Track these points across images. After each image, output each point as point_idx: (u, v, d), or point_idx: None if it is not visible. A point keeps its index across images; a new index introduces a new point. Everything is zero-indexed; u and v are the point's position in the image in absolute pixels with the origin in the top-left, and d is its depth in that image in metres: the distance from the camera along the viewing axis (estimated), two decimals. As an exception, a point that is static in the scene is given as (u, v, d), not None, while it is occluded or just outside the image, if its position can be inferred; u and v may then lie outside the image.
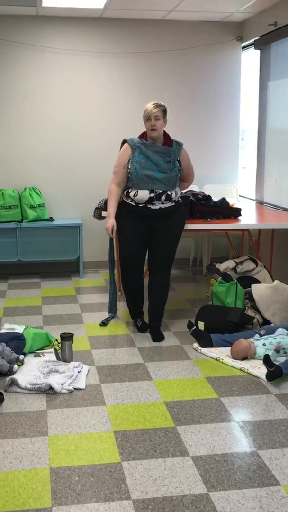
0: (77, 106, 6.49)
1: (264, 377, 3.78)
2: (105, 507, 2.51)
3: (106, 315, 5.10)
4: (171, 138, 4.44)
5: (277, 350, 4.01)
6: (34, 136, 6.47)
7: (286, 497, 2.57)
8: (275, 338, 4.12)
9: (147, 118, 4.28)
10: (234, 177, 6.96)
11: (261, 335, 4.21)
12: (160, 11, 6.05)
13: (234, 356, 4.10)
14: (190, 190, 5.49)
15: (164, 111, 4.32)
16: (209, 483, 2.68)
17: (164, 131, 4.39)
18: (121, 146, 4.51)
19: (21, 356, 3.97)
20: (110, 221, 4.51)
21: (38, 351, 4.23)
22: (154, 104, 4.29)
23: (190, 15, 6.24)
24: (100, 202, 5.58)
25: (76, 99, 6.48)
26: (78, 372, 3.84)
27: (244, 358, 4.07)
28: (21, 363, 3.97)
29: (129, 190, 4.41)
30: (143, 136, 4.42)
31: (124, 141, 4.47)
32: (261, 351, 4.06)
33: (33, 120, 6.44)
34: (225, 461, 2.86)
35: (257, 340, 4.16)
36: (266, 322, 4.63)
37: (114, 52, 6.44)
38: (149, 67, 6.54)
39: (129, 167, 4.35)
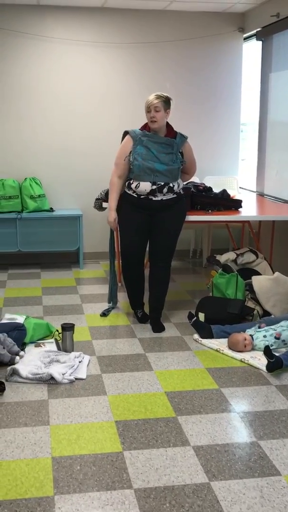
0: (78, 96, 6.47)
1: (264, 368, 3.80)
2: (107, 496, 2.53)
3: (106, 305, 5.11)
4: (175, 130, 4.41)
5: (277, 337, 4.03)
6: (34, 126, 6.46)
7: (286, 487, 2.59)
8: (276, 330, 4.14)
9: (148, 109, 4.26)
10: (235, 169, 6.96)
11: (260, 328, 4.22)
12: (162, 1, 6.03)
13: (230, 347, 4.13)
14: (191, 182, 5.48)
15: (166, 102, 4.26)
16: (210, 473, 2.70)
17: (167, 122, 4.36)
18: (123, 137, 4.49)
19: (22, 353, 3.95)
20: (112, 214, 4.51)
21: (39, 341, 4.24)
22: (155, 95, 4.26)
23: (192, 5, 6.21)
24: (100, 193, 5.58)
25: (77, 89, 6.46)
26: (79, 362, 3.86)
27: (237, 351, 4.08)
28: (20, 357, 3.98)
29: (131, 182, 4.40)
30: (145, 127, 4.40)
31: (126, 133, 4.45)
32: (261, 343, 4.07)
33: (33, 110, 6.42)
34: (226, 451, 2.88)
35: (258, 331, 4.17)
36: (266, 313, 4.65)
37: (115, 42, 6.41)
38: (150, 57, 6.52)
39: (131, 159, 4.34)
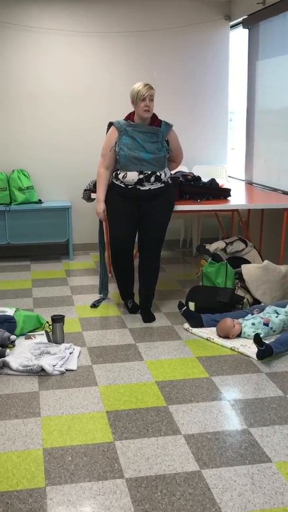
0: (65, 87, 6.44)
1: (254, 356, 3.81)
2: (99, 486, 2.53)
3: (96, 297, 5.11)
4: (159, 118, 4.41)
5: (265, 323, 4.05)
6: (21, 118, 6.42)
7: (277, 474, 2.61)
8: (263, 317, 4.16)
9: (142, 98, 4.23)
10: (223, 158, 6.95)
11: (253, 315, 4.24)
12: (148, -11, 5.99)
13: (218, 333, 4.14)
14: (180, 171, 5.48)
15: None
16: (201, 461, 2.71)
17: (152, 111, 4.37)
18: (108, 128, 4.48)
19: (13, 336, 3.96)
20: (101, 205, 4.50)
21: (29, 333, 4.24)
22: (146, 85, 4.25)
23: (177, -7, 6.18)
24: (89, 184, 5.55)
25: (64, 79, 6.42)
26: (70, 353, 3.86)
27: (226, 336, 4.10)
28: (12, 345, 3.97)
29: (118, 172, 4.39)
30: (129, 117, 4.38)
31: (111, 124, 4.43)
32: (250, 330, 4.09)
33: (20, 101, 6.38)
34: (217, 439, 2.89)
35: (246, 320, 4.19)
36: (256, 301, 4.66)
37: (102, 31, 6.37)
38: (137, 47, 6.48)
39: (117, 149, 4.33)
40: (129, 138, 4.30)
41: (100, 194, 4.50)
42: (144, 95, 4.21)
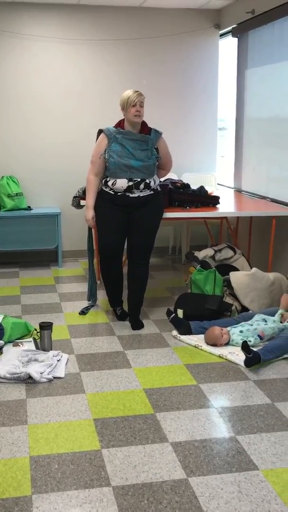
0: (55, 94, 6.44)
1: (242, 363, 3.81)
2: (85, 494, 2.52)
3: (85, 304, 5.10)
4: (149, 126, 4.43)
5: (260, 336, 4.05)
6: (11, 124, 6.41)
7: (264, 481, 2.61)
8: (252, 325, 4.17)
9: (133, 104, 4.25)
10: (212, 165, 6.97)
11: (235, 320, 4.25)
12: (138, -2, 6.02)
13: (206, 341, 4.15)
14: (169, 179, 5.50)
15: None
16: (188, 469, 2.70)
17: (141, 119, 4.38)
18: (97, 136, 4.49)
19: (1, 342, 3.95)
20: (90, 212, 4.51)
21: (17, 341, 4.22)
22: (136, 92, 4.28)
23: (167, 2, 6.21)
24: (78, 191, 5.55)
25: (53, 87, 6.43)
26: (58, 361, 3.84)
27: (214, 344, 4.11)
28: (0, 352, 3.96)
29: (107, 179, 4.40)
30: (119, 124, 4.40)
31: (100, 131, 4.45)
32: (238, 338, 4.10)
33: (10, 108, 6.38)
34: (204, 446, 2.89)
35: (234, 327, 4.19)
36: (244, 309, 4.67)
37: (92, 39, 6.39)
38: (127, 54, 6.51)
39: (106, 157, 4.34)
40: (119, 146, 4.31)
41: (89, 201, 4.51)
42: (134, 100, 4.23)
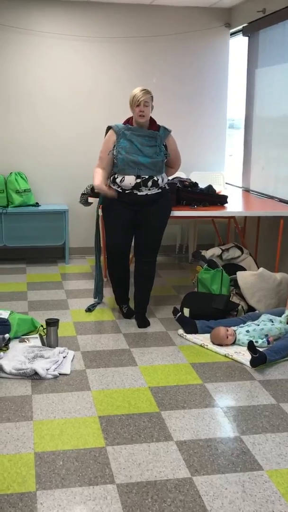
0: (64, 91, 6.44)
1: (248, 363, 3.81)
2: (89, 491, 2.53)
3: (91, 301, 5.10)
4: (158, 124, 4.42)
5: (269, 342, 4.04)
6: (20, 120, 6.42)
7: (268, 482, 2.61)
8: (258, 325, 4.16)
9: (137, 104, 4.25)
10: (221, 164, 6.96)
11: (241, 320, 4.24)
12: (149, -5, 6.01)
13: (212, 340, 4.15)
14: (177, 177, 5.49)
15: (152, 97, 4.32)
16: (192, 468, 2.70)
17: (150, 116, 4.36)
18: (106, 132, 4.49)
19: (7, 335, 3.95)
20: (96, 182, 4.41)
21: (23, 337, 4.23)
22: (143, 90, 4.27)
23: (178, 0, 6.20)
24: (86, 188, 5.56)
25: (63, 82, 6.43)
26: (63, 357, 3.85)
27: (219, 345, 4.11)
28: (6, 348, 3.96)
29: (115, 176, 4.40)
30: (128, 121, 4.40)
31: (109, 128, 4.45)
32: (244, 338, 4.09)
33: (19, 104, 6.38)
34: (209, 446, 2.89)
35: (241, 327, 4.19)
36: (251, 309, 4.66)
37: (102, 36, 6.38)
38: (137, 52, 6.50)
39: (114, 153, 4.34)
40: (127, 142, 4.31)
41: (96, 182, 4.41)
42: (139, 100, 4.23)
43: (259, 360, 3.74)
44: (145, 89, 4.28)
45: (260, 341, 4.01)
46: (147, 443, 2.91)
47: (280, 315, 4.28)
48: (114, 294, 4.82)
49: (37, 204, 6.44)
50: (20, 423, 3.08)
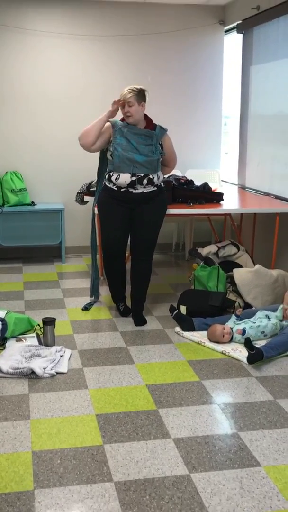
0: (60, 89, 6.44)
1: (245, 360, 3.81)
2: (87, 489, 2.53)
3: (88, 299, 5.10)
4: (154, 122, 4.40)
5: (237, 316, 4.14)
6: (15, 120, 6.41)
7: (266, 478, 2.61)
8: (255, 322, 4.16)
9: (122, 104, 4.24)
10: (216, 162, 6.96)
11: (237, 316, 4.24)
12: (142, -7, 6.00)
13: (209, 337, 4.15)
14: (173, 175, 5.48)
15: (139, 95, 4.24)
16: (190, 465, 2.71)
17: (145, 114, 4.35)
18: None
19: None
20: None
21: (20, 336, 4.22)
22: (128, 89, 4.23)
23: (172, -2, 6.20)
24: (82, 187, 5.56)
25: (58, 82, 6.42)
26: (60, 356, 3.85)
27: (216, 341, 4.11)
28: (2, 347, 3.96)
29: (111, 174, 4.39)
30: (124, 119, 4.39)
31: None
32: (240, 336, 4.09)
33: (14, 103, 6.37)
34: (206, 442, 2.89)
35: (237, 324, 4.19)
36: (247, 306, 4.66)
37: (96, 35, 6.37)
38: (131, 50, 6.49)
39: (111, 149, 4.33)
40: (124, 139, 4.29)
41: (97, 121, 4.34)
42: (123, 101, 4.22)
43: (256, 356, 3.75)
44: (131, 88, 4.25)
45: (252, 333, 4.05)
46: (144, 440, 2.91)
47: (275, 311, 4.28)
48: (110, 293, 4.81)
49: (33, 203, 6.43)
50: (18, 422, 3.08)
